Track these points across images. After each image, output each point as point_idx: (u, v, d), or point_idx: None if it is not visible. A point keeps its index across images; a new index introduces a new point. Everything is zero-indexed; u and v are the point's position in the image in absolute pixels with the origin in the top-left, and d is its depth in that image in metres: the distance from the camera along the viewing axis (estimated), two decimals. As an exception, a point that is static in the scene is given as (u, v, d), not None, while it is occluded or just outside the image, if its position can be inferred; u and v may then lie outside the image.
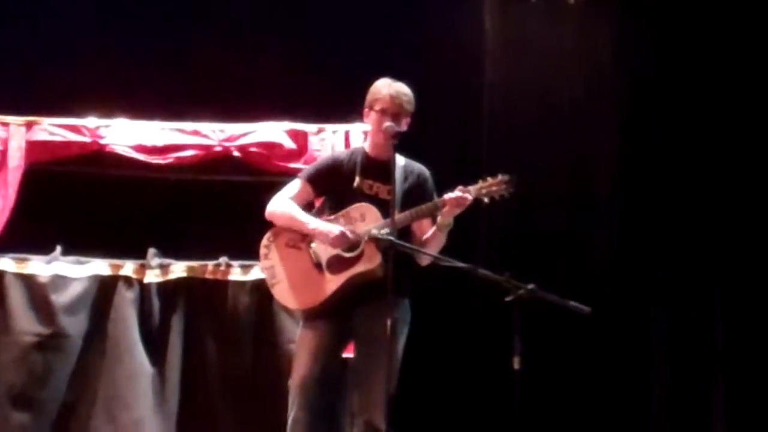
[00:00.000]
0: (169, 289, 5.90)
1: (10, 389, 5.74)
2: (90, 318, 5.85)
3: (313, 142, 5.97)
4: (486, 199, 4.94)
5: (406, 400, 5.00)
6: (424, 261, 5.00)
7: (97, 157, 5.99)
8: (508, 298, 4.56)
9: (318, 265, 5.01)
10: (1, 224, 5.83)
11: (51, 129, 5.92)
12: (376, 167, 5.04)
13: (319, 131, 5.98)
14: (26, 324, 5.79)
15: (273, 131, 5.98)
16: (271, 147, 5.96)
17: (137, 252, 5.95)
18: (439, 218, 4.97)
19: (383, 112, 5.00)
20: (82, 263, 5.90)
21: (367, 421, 4.86)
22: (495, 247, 6.33)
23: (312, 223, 5.03)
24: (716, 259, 6.45)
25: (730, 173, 6.46)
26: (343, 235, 4.93)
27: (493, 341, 5.25)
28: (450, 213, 4.93)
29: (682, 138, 6.52)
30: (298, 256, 5.05)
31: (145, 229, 6.11)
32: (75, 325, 5.81)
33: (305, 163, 5.79)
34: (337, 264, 4.98)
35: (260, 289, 5.73)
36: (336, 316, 4.99)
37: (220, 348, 5.88)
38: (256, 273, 5.82)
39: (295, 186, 5.16)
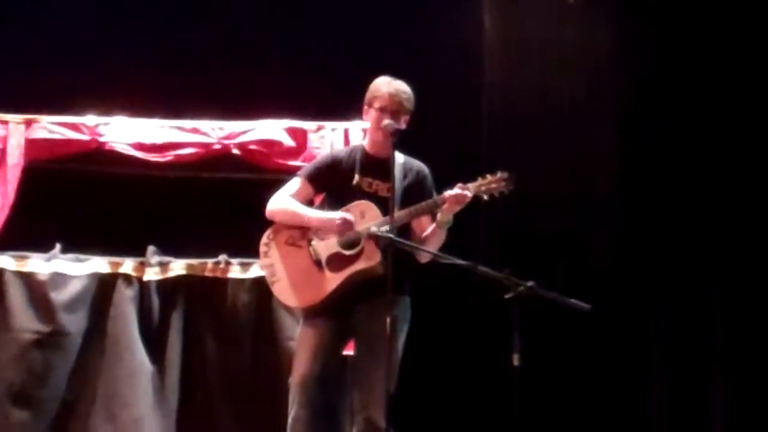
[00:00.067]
0: (168, 287, 5.90)
1: (10, 387, 5.74)
2: (89, 316, 5.85)
3: (313, 139, 5.97)
4: (485, 197, 4.94)
5: (406, 397, 5.00)
6: (424, 258, 5.00)
7: (97, 155, 5.98)
8: (507, 295, 4.55)
9: (318, 263, 5.01)
10: (0, 222, 5.82)
11: (50, 127, 5.92)
12: (376, 165, 5.05)
13: (319, 129, 5.98)
14: (26, 322, 5.79)
15: (272, 129, 5.98)
16: (270, 145, 5.95)
17: (137, 250, 5.94)
18: (438, 215, 4.97)
19: (382, 110, 5.01)
20: (81, 261, 5.90)
21: (367, 419, 4.86)
22: (495, 244, 6.34)
23: (313, 215, 5.03)
24: (715, 259, 6.46)
25: (730, 173, 6.47)
26: (345, 219, 4.93)
27: (493, 338, 5.25)
28: (449, 210, 4.93)
29: (682, 138, 6.52)
30: (298, 253, 5.06)
31: (144, 227, 6.11)
32: (74, 323, 5.81)
33: (304, 160, 5.79)
34: (337, 261, 4.98)
35: (260, 286, 5.74)
36: (336, 313, 4.99)
37: (220, 346, 5.88)
38: (255, 271, 5.82)
39: (294, 184, 5.17)
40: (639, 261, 6.49)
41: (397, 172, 4.94)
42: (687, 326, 6.41)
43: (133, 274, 5.90)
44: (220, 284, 5.92)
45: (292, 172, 5.41)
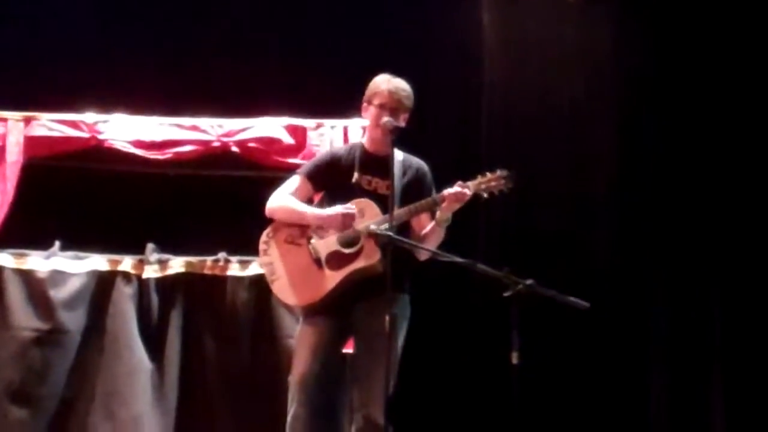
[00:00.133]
0: (167, 285, 5.91)
1: (9, 385, 5.75)
2: (88, 313, 5.85)
3: (312, 137, 5.96)
4: (485, 195, 4.95)
5: (406, 395, 4.99)
6: (423, 256, 4.99)
7: (96, 152, 5.99)
8: (506, 294, 4.55)
9: (317, 261, 5.01)
10: (-1, 220, 5.84)
11: (49, 124, 5.92)
12: (375, 162, 5.05)
13: (318, 126, 5.98)
14: (25, 319, 5.79)
15: (271, 126, 5.98)
16: (269, 142, 5.95)
17: (136, 247, 5.95)
18: (438, 213, 4.97)
19: (382, 107, 5.01)
20: (80, 258, 5.91)
21: (367, 416, 4.86)
22: (494, 242, 6.34)
23: (313, 212, 5.03)
24: (715, 259, 6.45)
25: (729, 173, 6.47)
26: (347, 213, 4.93)
27: (492, 336, 5.24)
28: (449, 208, 4.93)
29: (682, 137, 6.52)
30: (298, 252, 5.05)
31: (143, 225, 6.11)
32: (73, 321, 5.82)
33: (304, 158, 5.80)
34: (336, 260, 4.98)
35: (259, 284, 5.74)
36: (336, 312, 4.99)
37: (219, 343, 5.88)
38: (254, 268, 5.82)
39: (294, 182, 5.17)
40: (638, 260, 6.49)
41: (397, 169, 4.94)
42: (686, 325, 6.41)
43: (132, 271, 5.90)
44: (219, 282, 5.92)
45: (291, 169, 5.41)
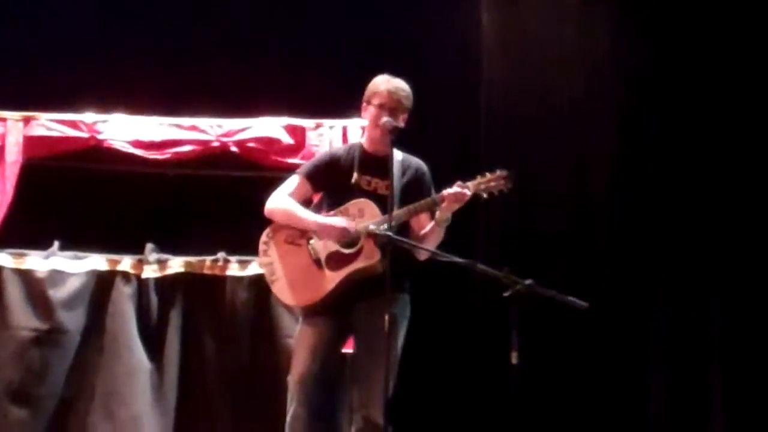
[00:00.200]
0: (166, 285, 5.90)
1: (8, 385, 5.74)
2: (88, 313, 5.85)
3: (311, 137, 5.96)
4: (485, 195, 4.95)
5: (405, 395, 5.00)
6: (423, 256, 4.99)
7: (95, 152, 5.97)
8: (506, 294, 4.54)
9: (317, 262, 5.01)
10: (-2, 220, 5.84)
11: (48, 124, 5.91)
12: (374, 162, 5.05)
13: (317, 126, 5.97)
14: (24, 319, 5.78)
15: (271, 126, 5.97)
16: (268, 142, 5.94)
17: (135, 247, 5.94)
18: (437, 213, 4.97)
19: (381, 107, 5.01)
20: (79, 258, 5.90)
21: (366, 417, 4.86)
22: (493, 242, 6.33)
23: (312, 218, 5.02)
24: (714, 258, 6.45)
25: (729, 173, 6.46)
26: (345, 228, 4.92)
27: (492, 336, 5.24)
28: (448, 208, 4.93)
29: (681, 137, 6.51)
30: (298, 252, 5.05)
31: (142, 225, 6.11)
32: (73, 321, 5.81)
33: (303, 158, 5.79)
34: (336, 260, 4.98)
35: (258, 284, 5.73)
36: (335, 312, 4.99)
37: (218, 343, 5.87)
38: (254, 268, 5.82)
39: (293, 183, 5.16)
40: (638, 260, 6.48)
41: (396, 169, 4.94)
42: (686, 325, 6.41)
43: (132, 271, 5.90)
44: (218, 282, 5.92)
45: (290, 169, 5.41)
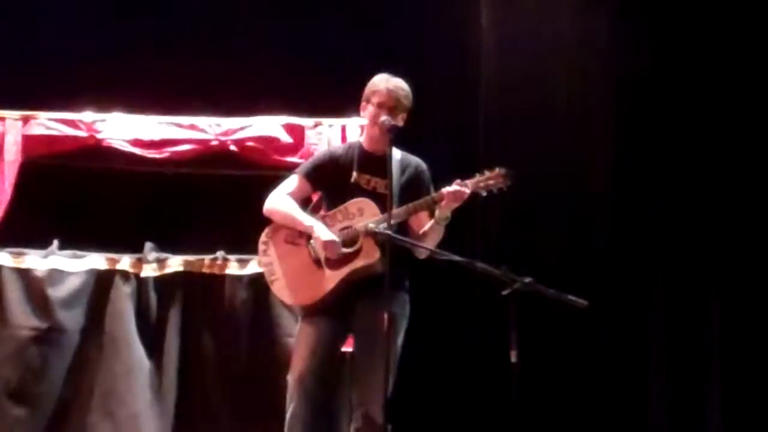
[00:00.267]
0: (166, 284, 5.89)
1: (7, 384, 5.73)
2: (87, 312, 5.84)
3: (310, 136, 5.96)
4: (484, 193, 4.94)
5: (405, 394, 5.00)
6: (422, 254, 4.99)
7: (94, 151, 5.97)
8: (505, 292, 4.55)
9: (317, 261, 5.01)
10: (-3, 218, 5.83)
11: (48, 123, 5.90)
12: (373, 161, 5.05)
13: (316, 125, 5.97)
14: (23, 318, 5.78)
15: (270, 125, 5.97)
16: (267, 141, 5.94)
17: (134, 246, 5.94)
18: (436, 212, 4.97)
19: (380, 106, 5.01)
20: (78, 257, 5.90)
21: (365, 415, 4.86)
22: (492, 240, 6.33)
23: (309, 222, 5.02)
24: (714, 259, 6.45)
25: (728, 173, 6.47)
26: (335, 244, 4.92)
27: (491, 335, 5.24)
28: (447, 207, 4.93)
29: (680, 137, 6.52)
30: (297, 252, 5.05)
31: (141, 224, 6.12)
32: (72, 320, 5.81)
33: (302, 157, 5.79)
34: (335, 259, 4.97)
35: (257, 283, 5.72)
36: (335, 311, 4.99)
37: (218, 342, 5.87)
38: (253, 267, 5.81)
39: (292, 182, 5.16)
40: (637, 260, 6.49)
41: (395, 168, 4.94)
42: (685, 325, 6.41)
43: (131, 270, 5.89)
44: (217, 281, 5.91)
45: (289, 168, 5.42)
